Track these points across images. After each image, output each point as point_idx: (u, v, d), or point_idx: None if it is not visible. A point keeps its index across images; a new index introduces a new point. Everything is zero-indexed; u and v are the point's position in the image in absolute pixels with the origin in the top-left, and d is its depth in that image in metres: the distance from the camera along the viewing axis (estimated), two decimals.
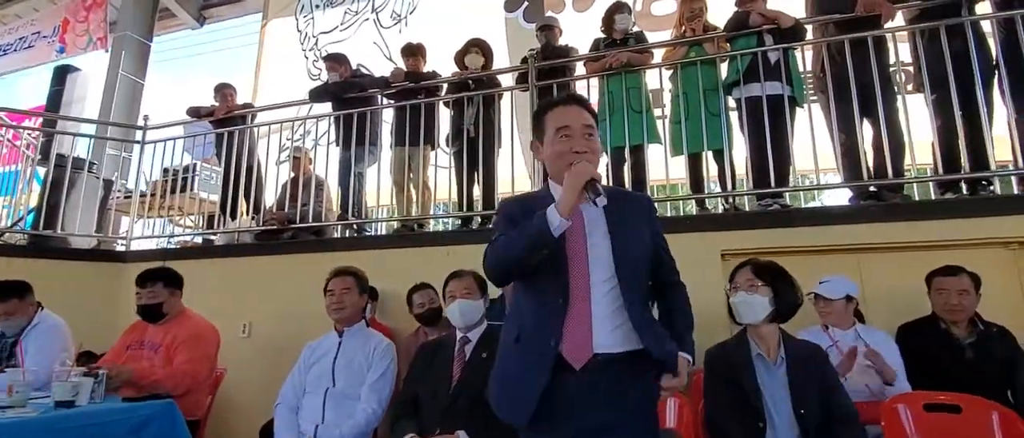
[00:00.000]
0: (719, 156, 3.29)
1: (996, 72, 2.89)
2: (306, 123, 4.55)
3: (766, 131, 3.01)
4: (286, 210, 4.10)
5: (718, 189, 3.37)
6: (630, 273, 1.35)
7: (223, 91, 4.62)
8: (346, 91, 4.10)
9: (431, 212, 4.12)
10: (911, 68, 3.20)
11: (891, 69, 3.10)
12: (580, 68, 3.81)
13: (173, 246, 4.47)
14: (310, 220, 3.93)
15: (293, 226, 3.99)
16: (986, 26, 2.99)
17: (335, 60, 4.30)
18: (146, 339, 2.68)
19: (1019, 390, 2.14)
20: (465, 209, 3.76)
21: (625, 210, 1.41)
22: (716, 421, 1.77)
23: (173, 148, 4.52)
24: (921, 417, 1.83)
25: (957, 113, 2.79)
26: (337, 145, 4.11)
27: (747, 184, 3.20)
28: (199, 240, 4.69)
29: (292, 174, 4.27)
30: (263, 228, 4.08)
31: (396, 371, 2.43)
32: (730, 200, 3.31)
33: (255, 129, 4.60)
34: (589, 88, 3.66)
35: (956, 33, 2.86)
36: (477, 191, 3.82)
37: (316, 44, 6.81)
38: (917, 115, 3.01)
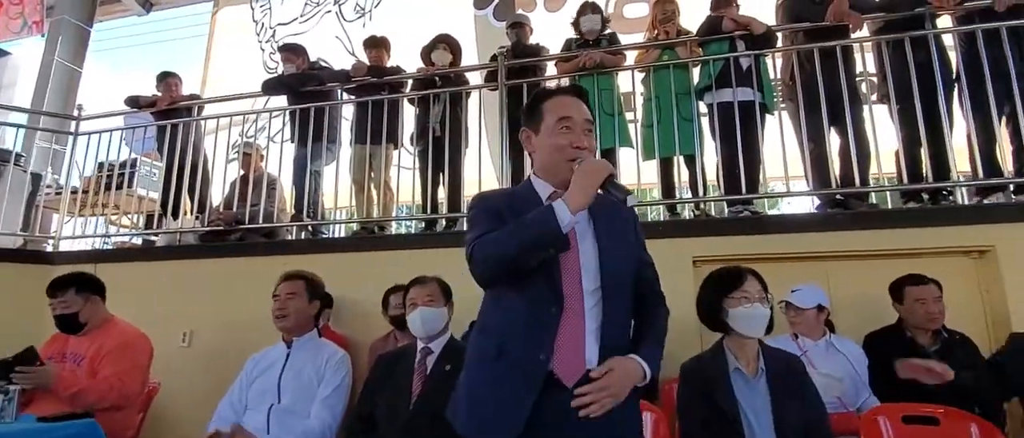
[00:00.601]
0: (691, 161, 3.24)
1: (956, 85, 2.95)
2: (259, 117, 4.28)
3: (738, 137, 2.99)
4: (235, 210, 3.84)
5: (689, 194, 3.33)
6: (618, 284, 1.26)
7: (167, 80, 4.31)
8: (303, 84, 3.87)
9: (393, 214, 3.93)
10: (875, 78, 3.24)
11: (857, 79, 3.13)
12: (551, 68, 3.72)
13: (108, 247, 4.13)
14: (261, 221, 3.68)
15: (242, 227, 3.73)
16: (948, 40, 3.07)
17: (292, 51, 4.07)
18: (68, 351, 2.41)
19: (984, 396, 2.15)
20: (429, 211, 3.61)
21: (612, 218, 1.31)
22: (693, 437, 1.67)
23: (110, 141, 4.19)
24: (900, 429, 1.79)
25: (920, 123, 2.84)
26: (292, 142, 3.88)
27: (718, 190, 3.17)
28: (138, 241, 4.35)
29: (242, 171, 4.00)
30: (209, 229, 3.80)
31: (350, 385, 2.25)
32: (700, 206, 3.27)
33: (202, 122, 4.31)
34: None
35: (920, 45, 2.92)
36: (442, 193, 3.67)
37: (273, 35, 6.50)
38: (880, 125, 3.04)
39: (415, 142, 3.75)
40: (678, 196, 3.36)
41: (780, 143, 3.05)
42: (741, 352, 1.67)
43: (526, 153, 1.43)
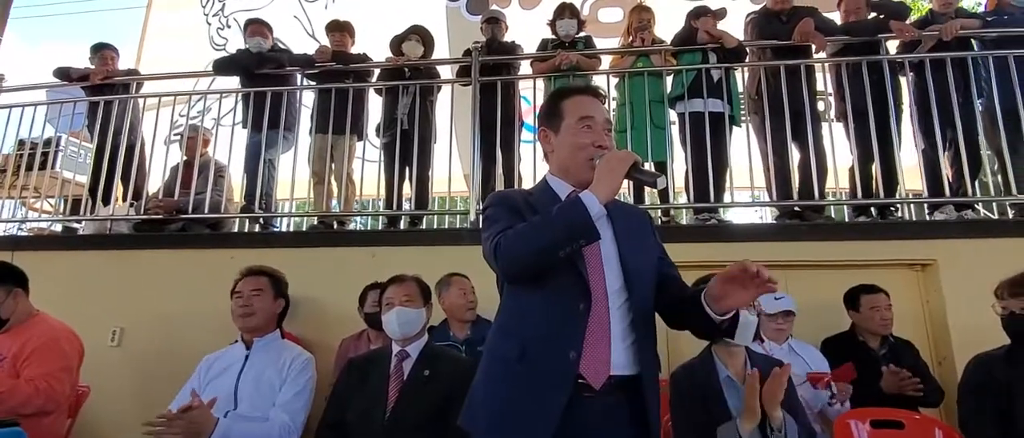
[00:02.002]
0: (661, 168, 3.28)
1: (907, 108, 3.15)
2: (207, 98, 3.97)
3: (707, 147, 3.05)
4: (176, 197, 3.53)
5: (658, 201, 3.38)
6: (640, 285, 1.21)
7: (103, 53, 3.93)
8: (261, 65, 3.61)
9: (354, 208, 3.74)
10: (833, 97, 3.41)
11: (817, 97, 3.29)
12: (526, 67, 3.67)
13: (24, 234, 3.70)
14: (206, 211, 3.40)
15: (183, 217, 3.43)
16: None
17: (260, 24, 3.78)
18: None
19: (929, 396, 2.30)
20: (393, 207, 3.46)
21: (629, 220, 1.29)
22: None
23: (33, 116, 3.78)
24: (870, 433, 1.87)
25: (874, 142, 3.01)
26: (244, 126, 3.62)
27: (687, 198, 3.23)
28: (59, 228, 3.92)
29: (185, 156, 3.70)
30: (144, 217, 3.47)
31: (314, 390, 2.09)
32: (669, 213, 3.33)
33: (141, 100, 3.94)
34: (535, 89, 3.52)
35: (875, 69, 3.10)
36: (407, 189, 3.52)
37: (222, 9, 6.02)
38: (836, 142, 3.20)
39: (381, 134, 3.60)
40: (648, 202, 3.40)
41: (747, 154, 3.16)
42: (731, 360, 1.68)
43: (543, 153, 1.37)
